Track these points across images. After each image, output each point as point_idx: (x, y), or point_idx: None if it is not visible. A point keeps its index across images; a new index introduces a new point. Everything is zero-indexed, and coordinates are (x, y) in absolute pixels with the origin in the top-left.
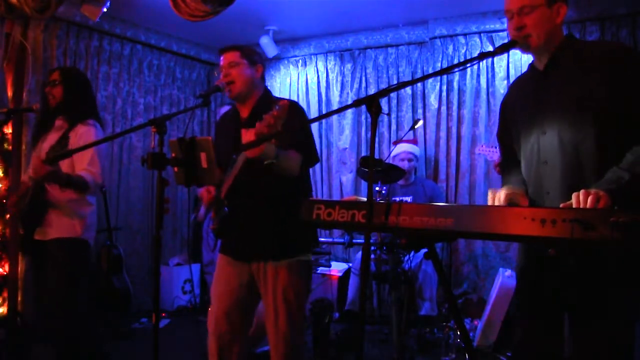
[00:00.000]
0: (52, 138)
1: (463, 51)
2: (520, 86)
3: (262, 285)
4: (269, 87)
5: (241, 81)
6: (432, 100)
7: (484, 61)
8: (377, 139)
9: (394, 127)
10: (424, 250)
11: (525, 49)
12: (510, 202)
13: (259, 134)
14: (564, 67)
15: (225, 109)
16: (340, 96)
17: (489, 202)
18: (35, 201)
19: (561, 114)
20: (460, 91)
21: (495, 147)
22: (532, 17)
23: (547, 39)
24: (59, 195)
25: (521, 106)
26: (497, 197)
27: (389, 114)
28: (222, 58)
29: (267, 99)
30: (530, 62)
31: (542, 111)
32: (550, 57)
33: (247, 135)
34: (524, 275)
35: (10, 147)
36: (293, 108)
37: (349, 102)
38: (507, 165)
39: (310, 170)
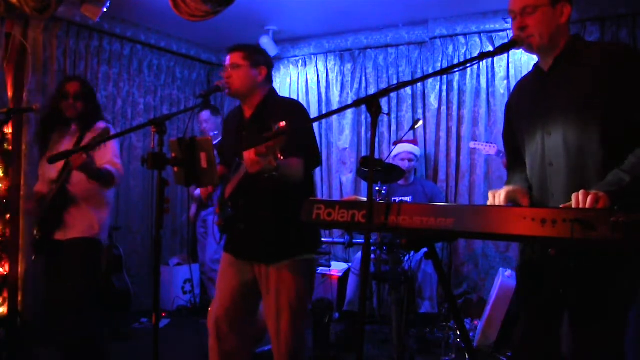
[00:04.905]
0: (67, 142)
1: (463, 51)
2: (524, 86)
3: (263, 285)
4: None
5: (240, 82)
6: (432, 100)
7: (484, 61)
8: (377, 139)
9: (394, 127)
10: (424, 250)
11: (528, 49)
12: (510, 199)
13: (259, 154)
14: (569, 68)
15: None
16: (340, 96)
17: (490, 203)
18: (56, 203)
19: (566, 115)
20: (460, 91)
21: (492, 144)
22: (534, 17)
23: (550, 39)
24: (80, 196)
25: (526, 107)
26: (497, 195)
27: (389, 114)
28: (227, 57)
29: (272, 100)
30: (536, 62)
31: (547, 112)
32: (555, 58)
33: (248, 155)
34: (524, 275)
35: (10, 147)
36: (294, 113)
37: (349, 102)
38: (513, 165)
39: None
